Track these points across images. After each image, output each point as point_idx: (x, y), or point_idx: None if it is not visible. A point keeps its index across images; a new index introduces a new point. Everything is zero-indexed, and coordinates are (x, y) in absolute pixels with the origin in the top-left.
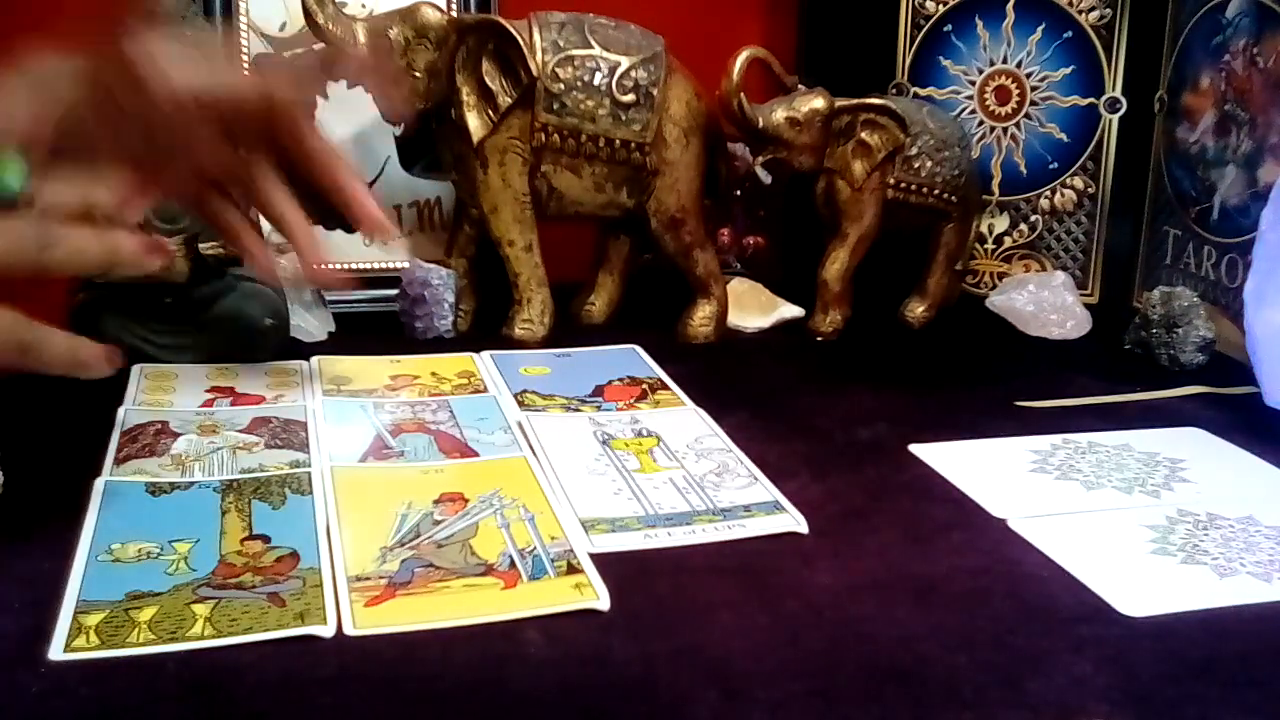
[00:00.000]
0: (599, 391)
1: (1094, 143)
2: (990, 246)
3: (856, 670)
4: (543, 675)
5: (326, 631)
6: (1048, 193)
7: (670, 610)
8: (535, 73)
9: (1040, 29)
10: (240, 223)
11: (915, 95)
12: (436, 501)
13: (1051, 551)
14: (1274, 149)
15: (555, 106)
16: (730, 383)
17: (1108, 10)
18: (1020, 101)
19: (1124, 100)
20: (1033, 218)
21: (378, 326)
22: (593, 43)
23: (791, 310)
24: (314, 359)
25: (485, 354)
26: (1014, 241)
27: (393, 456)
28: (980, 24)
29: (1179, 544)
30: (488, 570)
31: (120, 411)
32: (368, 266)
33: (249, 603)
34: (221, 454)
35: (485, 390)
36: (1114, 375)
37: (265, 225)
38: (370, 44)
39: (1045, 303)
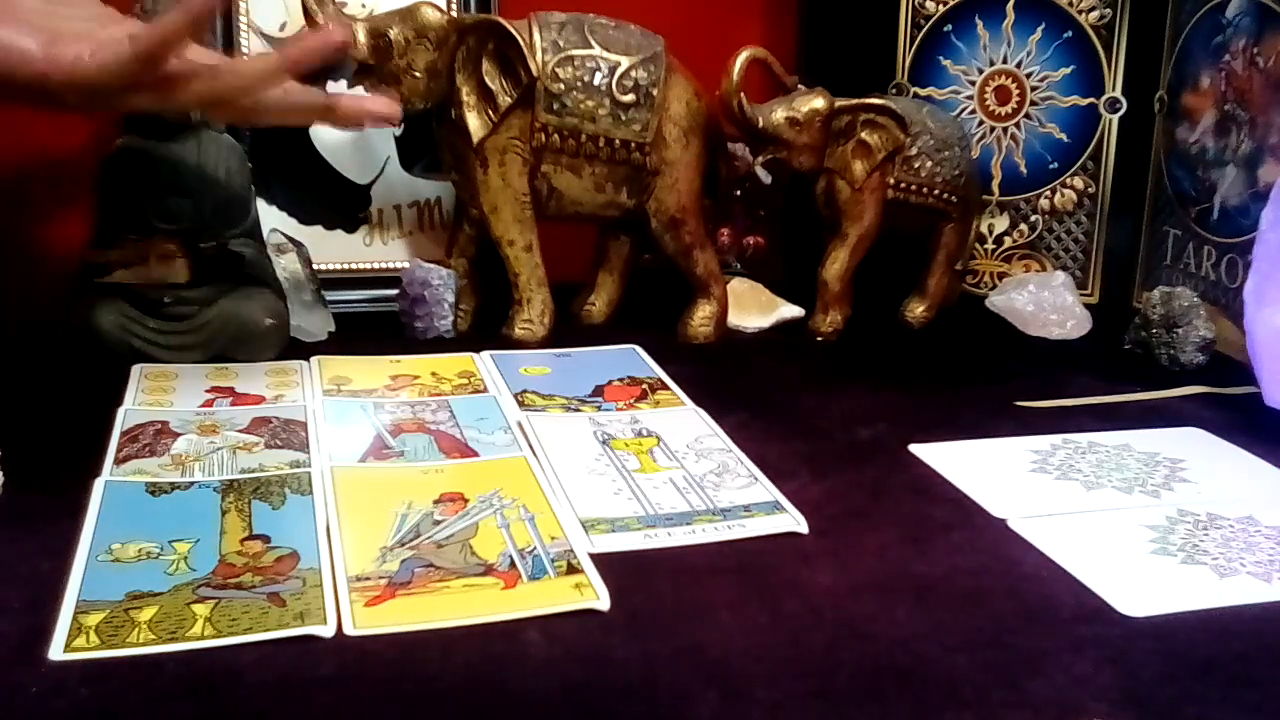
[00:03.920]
0: (599, 391)
1: (1094, 143)
2: (990, 246)
3: (856, 670)
4: (543, 675)
5: (326, 631)
6: (1048, 193)
7: (670, 610)
8: (535, 73)
9: (1040, 29)
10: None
11: (915, 95)
12: (436, 501)
13: (1051, 551)
14: (1274, 149)
15: (555, 106)
16: (730, 383)
17: (1108, 10)
18: (1020, 101)
19: (1124, 100)
20: (1033, 218)
21: (378, 326)
22: (593, 43)
23: (791, 310)
24: (314, 359)
25: (485, 354)
26: (1014, 241)
27: (393, 456)
28: (980, 24)
29: (1179, 544)
30: (488, 570)
31: (120, 411)
32: (368, 266)
33: (249, 603)
34: (221, 454)
35: (485, 390)
36: (1114, 375)
37: (265, 226)
38: (370, 44)
39: (1045, 303)
